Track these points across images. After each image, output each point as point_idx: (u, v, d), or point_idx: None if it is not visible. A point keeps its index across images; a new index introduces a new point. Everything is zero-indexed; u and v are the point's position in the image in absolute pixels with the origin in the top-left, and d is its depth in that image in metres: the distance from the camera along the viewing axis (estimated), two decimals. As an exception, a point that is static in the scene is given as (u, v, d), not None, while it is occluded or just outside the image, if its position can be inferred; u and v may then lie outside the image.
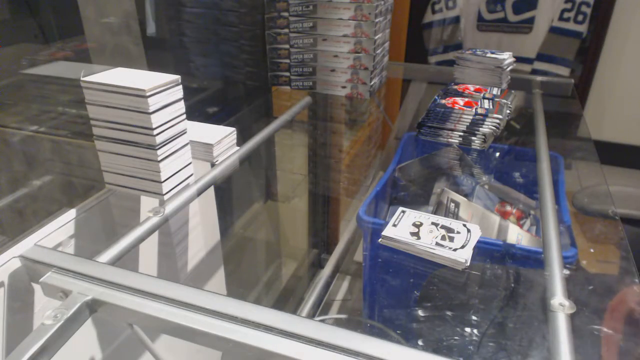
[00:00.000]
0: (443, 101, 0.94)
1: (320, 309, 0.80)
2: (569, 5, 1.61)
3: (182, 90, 0.59)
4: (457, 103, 0.92)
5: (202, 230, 0.87)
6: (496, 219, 0.86)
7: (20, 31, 0.77)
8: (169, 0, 1.04)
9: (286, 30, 1.01)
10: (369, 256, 0.86)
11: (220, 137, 0.71)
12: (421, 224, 0.70)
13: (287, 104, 1.14)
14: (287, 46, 1.03)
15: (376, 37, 0.97)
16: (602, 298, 0.66)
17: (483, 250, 0.73)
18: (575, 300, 0.48)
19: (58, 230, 0.57)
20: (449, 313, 0.73)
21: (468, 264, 0.63)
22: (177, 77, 0.58)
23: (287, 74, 1.06)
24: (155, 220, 0.58)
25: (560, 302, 0.47)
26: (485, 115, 0.88)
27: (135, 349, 0.74)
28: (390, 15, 1.09)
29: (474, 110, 0.90)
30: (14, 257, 0.50)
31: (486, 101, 0.94)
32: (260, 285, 1.49)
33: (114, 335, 0.69)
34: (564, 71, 1.68)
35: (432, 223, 0.70)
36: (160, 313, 0.42)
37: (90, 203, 0.63)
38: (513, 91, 1.04)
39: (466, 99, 0.95)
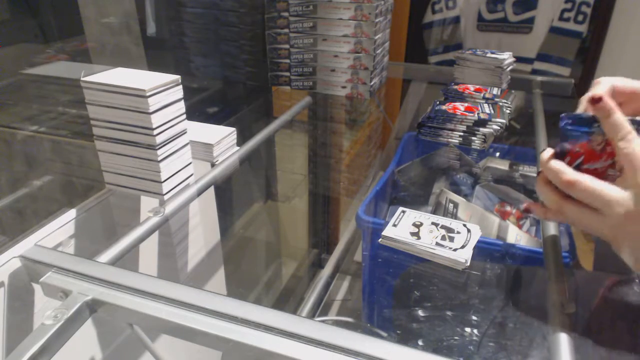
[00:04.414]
0: (444, 107, 0.93)
1: (320, 309, 0.80)
2: (569, 5, 1.61)
3: (182, 90, 0.59)
4: (457, 109, 0.92)
5: (202, 230, 0.88)
6: (495, 219, 0.86)
7: (20, 31, 0.78)
8: (169, 0, 1.04)
9: (286, 30, 1.01)
10: (368, 256, 0.86)
11: (221, 137, 0.71)
12: (421, 224, 0.70)
13: (287, 104, 1.14)
14: (287, 46, 1.03)
15: (376, 37, 0.97)
16: (602, 297, 0.66)
17: (483, 250, 0.73)
18: (575, 300, 0.48)
19: (58, 230, 0.57)
20: (449, 313, 0.73)
21: (468, 264, 0.63)
22: (177, 77, 0.58)
23: (287, 74, 1.06)
24: (155, 220, 0.58)
25: (560, 302, 0.47)
26: (488, 120, 0.88)
27: (135, 349, 0.74)
28: (390, 15, 1.09)
29: (475, 114, 0.90)
30: (14, 257, 0.50)
31: (487, 105, 0.94)
32: (260, 285, 1.49)
33: (114, 335, 0.69)
34: (564, 71, 1.68)
35: (432, 223, 0.70)
36: (160, 313, 0.42)
37: (90, 203, 0.63)
38: (513, 91, 1.04)
39: (466, 104, 0.94)
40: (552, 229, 0.60)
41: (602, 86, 0.49)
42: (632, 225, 0.42)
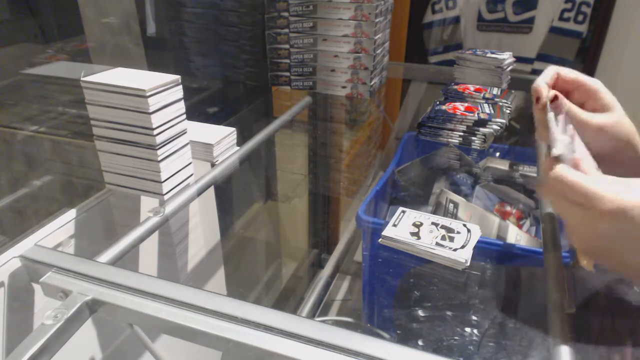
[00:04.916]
0: (444, 107, 0.93)
1: (320, 309, 0.80)
2: (569, 5, 1.61)
3: (182, 90, 0.59)
4: (457, 109, 0.92)
5: (202, 230, 0.88)
6: (495, 219, 0.86)
7: (20, 31, 0.78)
8: (169, 0, 1.04)
9: (286, 30, 1.01)
10: (368, 256, 0.86)
11: (221, 137, 0.71)
12: (421, 224, 0.70)
13: (287, 104, 1.14)
14: (287, 46, 1.03)
15: (376, 37, 0.97)
16: (602, 297, 0.66)
17: (483, 250, 0.73)
18: (575, 300, 0.48)
19: (58, 230, 0.57)
20: (449, 313, 0.73)
21: (468, 264, 0.63)
22: (177, 77, 0.58)
23: (287, 74, 1.06)
24: (155, 220, 0.58)
25: (560, 302, 0.47)
26: (488, 120, 0.88)
27: (135, 349, 0.74)
28: (390, 15, 1.09)
29: (475, 114, 0.90)
30: (14, 257, 0.50)
31: (487, 105, 0.94)
32: (260, 285, 1.50)
33: (114, 335, 0.69)
34: (564, 71, 1.67)
35: (432, 223, 0.70)
36: (160, 313, 0.42)
37: (90, 203, 0.63)
38: (513, 91, 1.04)
39: (466, 104, 0.94)
40: (552, 228, 0.60)
41: (548, 71, 0.51)
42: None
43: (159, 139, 0.57)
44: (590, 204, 0.40)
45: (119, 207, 0.67)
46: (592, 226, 0.42)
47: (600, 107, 0.50)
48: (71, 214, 0.60)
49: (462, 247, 0.65)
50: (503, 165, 1.05)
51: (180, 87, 0.59)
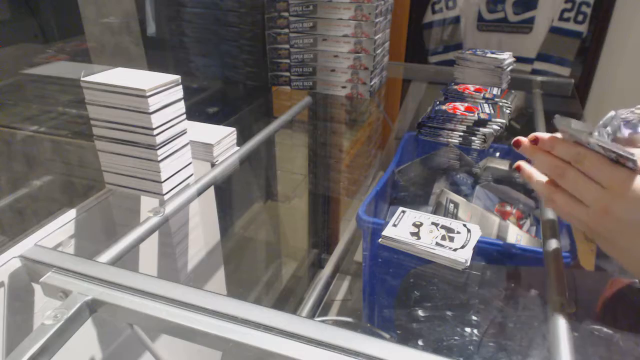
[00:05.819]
0: (444, 107, 0.93)
1: (320, 309, 0.80)
2: (569, 5, 1.61)
3: (182, 90, 0.59)
4: (457, 109, 0.92)
5: (202, 230, 0.87)
6: (495, 219, 0.86)
7: (20, 31, 0.78)
8: (169, 0, 1.04)
9: (286, 30, 1.01)
10: (369, 256, 0.86)
11: (221, 137, 0.71)
12: (421, 224, 0.70)
13: (287, 104, 1.14)
14: (287, 46, 1.03)
15: (376, 37, 0.97)
16: (602, 297, 0.66)
17: (483, 250, 0.73)
18: (575, 300, 0.48)
19: (58, 230, 0.57)
20: (449, 313, 0.73)
21: (468, 264, 0.63)
22: (177, 77, 0.58)
23: (287, 74, 1.06)
24: (155, 220, 0.58)
25: (560, 302, 0.47)
26: (488, 120, 0.88)
27: (135, 349, 0.74)
28: (390, 15, 1.09)
29: (475, 114, 0.90)
30: (14, 257, 0.50)
31: (487, 105, 0.94)
32: (260, 285, 1.49)
33: (114, 335, 0.69)
34: (564, 71, 1.68)
35: (432, 223, 0.70)
36: (160, 313, 0.42)
37: (90, 203, 0.63)
38: (513, 91, 1.04)
39: (466, 104, 0.94)
40: (552, 228, 0.60)
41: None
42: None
43: (159, 139, 0.57)
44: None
45: (119, 207, 0.67)
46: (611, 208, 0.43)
47: None
48: (71, 214, 0.60)
49: (462, 247, 0.65)
50: (503, 165, 1.05)
51: (180, 87, 0.59)
